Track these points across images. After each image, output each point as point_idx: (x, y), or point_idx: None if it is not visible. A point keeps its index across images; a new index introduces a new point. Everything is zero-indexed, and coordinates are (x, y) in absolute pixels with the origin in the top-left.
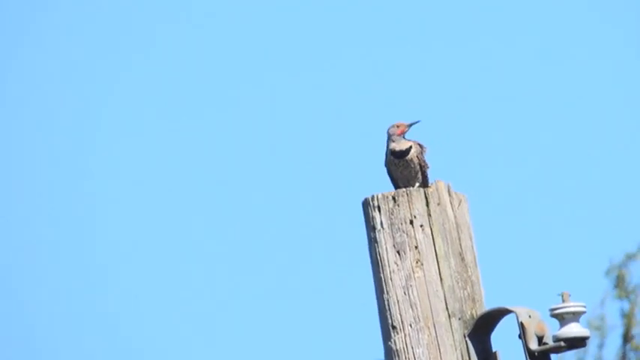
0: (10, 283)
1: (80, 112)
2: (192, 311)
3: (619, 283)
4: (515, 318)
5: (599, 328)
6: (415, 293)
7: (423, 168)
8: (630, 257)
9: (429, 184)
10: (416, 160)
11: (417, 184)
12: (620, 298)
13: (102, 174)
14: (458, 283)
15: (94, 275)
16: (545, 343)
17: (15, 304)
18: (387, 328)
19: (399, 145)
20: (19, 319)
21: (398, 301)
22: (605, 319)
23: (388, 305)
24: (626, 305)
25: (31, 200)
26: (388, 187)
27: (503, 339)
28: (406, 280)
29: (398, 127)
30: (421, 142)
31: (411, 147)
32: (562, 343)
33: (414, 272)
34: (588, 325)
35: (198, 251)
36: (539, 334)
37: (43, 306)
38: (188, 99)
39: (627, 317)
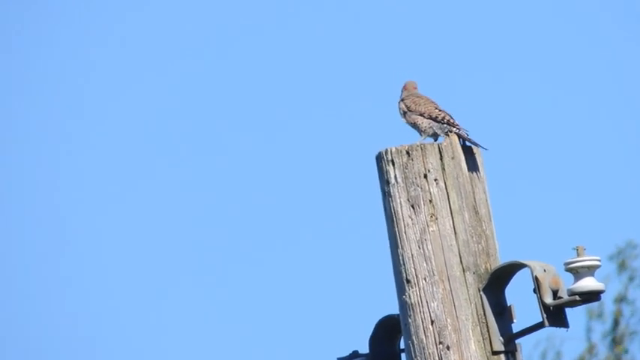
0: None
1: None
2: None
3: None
4: (530, 272)
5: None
6: (429, 247)
7: (420, 114)
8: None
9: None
10: (404, 108)
11: (425, 135)
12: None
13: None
14: (472, 237)
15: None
16: (559, 297)
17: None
18: (402, 283)
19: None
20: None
21: (412, 256)
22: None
23: (403, 259)
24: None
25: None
26: (402, 141)
27: (517, 293)
28: (420, 235)
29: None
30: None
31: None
32: (577, 297)
33: (428, 226)
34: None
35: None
36: (554, 288)
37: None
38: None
39: None
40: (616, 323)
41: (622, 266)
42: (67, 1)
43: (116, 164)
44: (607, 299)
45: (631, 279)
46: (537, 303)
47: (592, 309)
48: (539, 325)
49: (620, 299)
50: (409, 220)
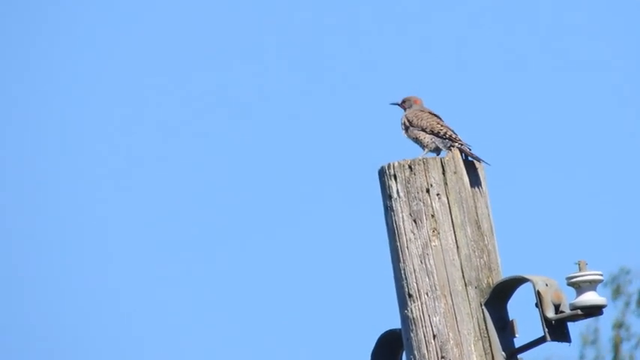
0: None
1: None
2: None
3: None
4: (532, 286)
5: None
6: (432, 262)
7: (423, 129)
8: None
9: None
10: (407, 123)
11: (427, 150)
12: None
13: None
14: (474, 251)
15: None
16: (561, 312)
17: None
18: (404, 297)
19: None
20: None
21: (414, 270)
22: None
23: (405, 274)
24: None
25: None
26: (404, 156)
27: (519, 307)
28: (422, 249)
29: (407, 101)
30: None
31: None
32: (579, 312)
33: (430, 241)
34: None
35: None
36: (556, 303)
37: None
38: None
39: None
40: (616, 350)
41: (617, 292)
42: (67, 1)
43: (115, 162)
44: (601, 325)
45: (627, 304)
46: (539, 317)
47: (587, 335)
48: (541, 340)
49: (619, 325)
50: (411, 235)
